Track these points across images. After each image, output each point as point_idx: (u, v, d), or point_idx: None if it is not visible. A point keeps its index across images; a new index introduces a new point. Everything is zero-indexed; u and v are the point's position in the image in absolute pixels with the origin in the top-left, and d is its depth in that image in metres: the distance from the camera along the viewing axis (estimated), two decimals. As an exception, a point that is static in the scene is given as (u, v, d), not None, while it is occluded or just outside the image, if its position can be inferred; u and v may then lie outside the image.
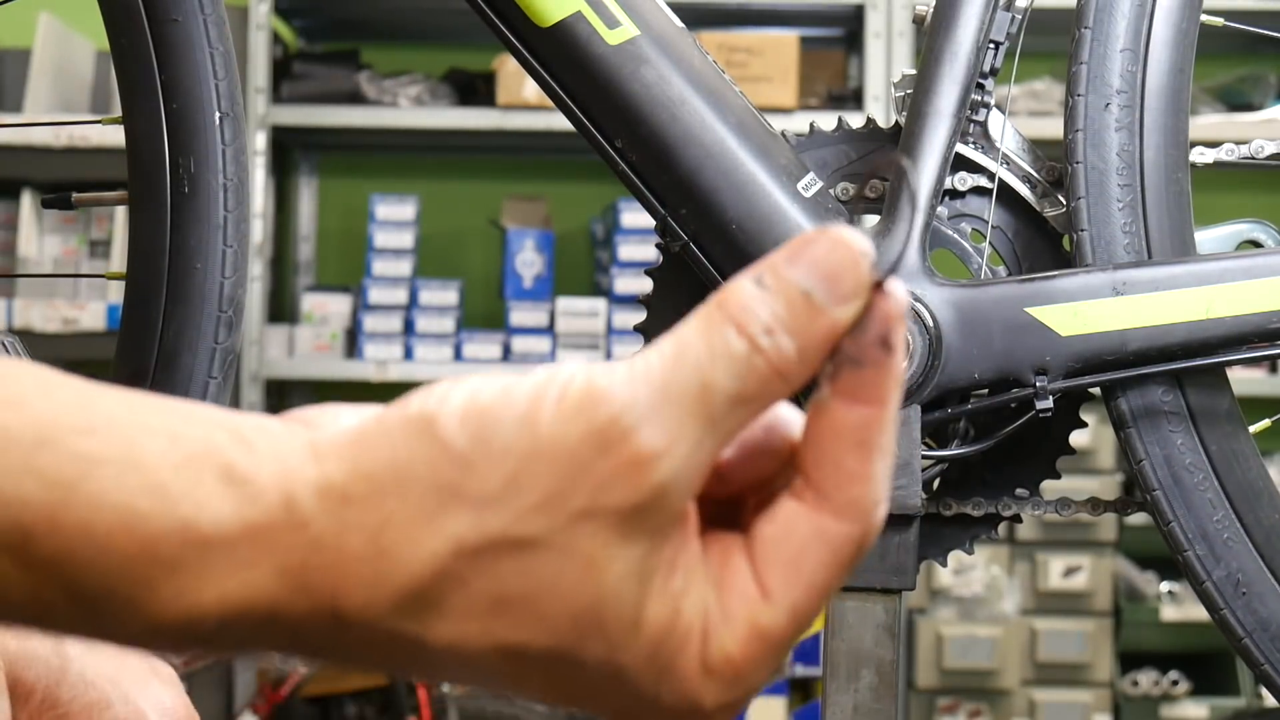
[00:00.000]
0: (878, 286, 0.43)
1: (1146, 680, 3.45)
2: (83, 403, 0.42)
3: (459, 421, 0.42)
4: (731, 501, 0.46)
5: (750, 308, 0.42)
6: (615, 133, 1.03)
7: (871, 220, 1.08)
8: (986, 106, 1.08)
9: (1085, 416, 1.10)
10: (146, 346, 1.07)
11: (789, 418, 0.46)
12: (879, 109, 3.32)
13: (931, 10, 1.07)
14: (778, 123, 1.10)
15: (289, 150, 3.81)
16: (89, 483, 0.41)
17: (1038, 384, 1.02)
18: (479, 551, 0.42)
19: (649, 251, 3.31)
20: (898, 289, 0.43)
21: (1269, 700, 1.11)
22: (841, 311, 0.42)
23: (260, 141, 3.31)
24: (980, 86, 1.07)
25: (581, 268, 3.77)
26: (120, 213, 3.22)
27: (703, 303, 0.43)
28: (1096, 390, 1.05)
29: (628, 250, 3.42)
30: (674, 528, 0.43)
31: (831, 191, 1.08)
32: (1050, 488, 1.11)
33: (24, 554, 0.40)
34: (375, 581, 0.42)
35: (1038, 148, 1.10)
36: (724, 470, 0.45)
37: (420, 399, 0.43)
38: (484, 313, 3.69)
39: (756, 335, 0.42)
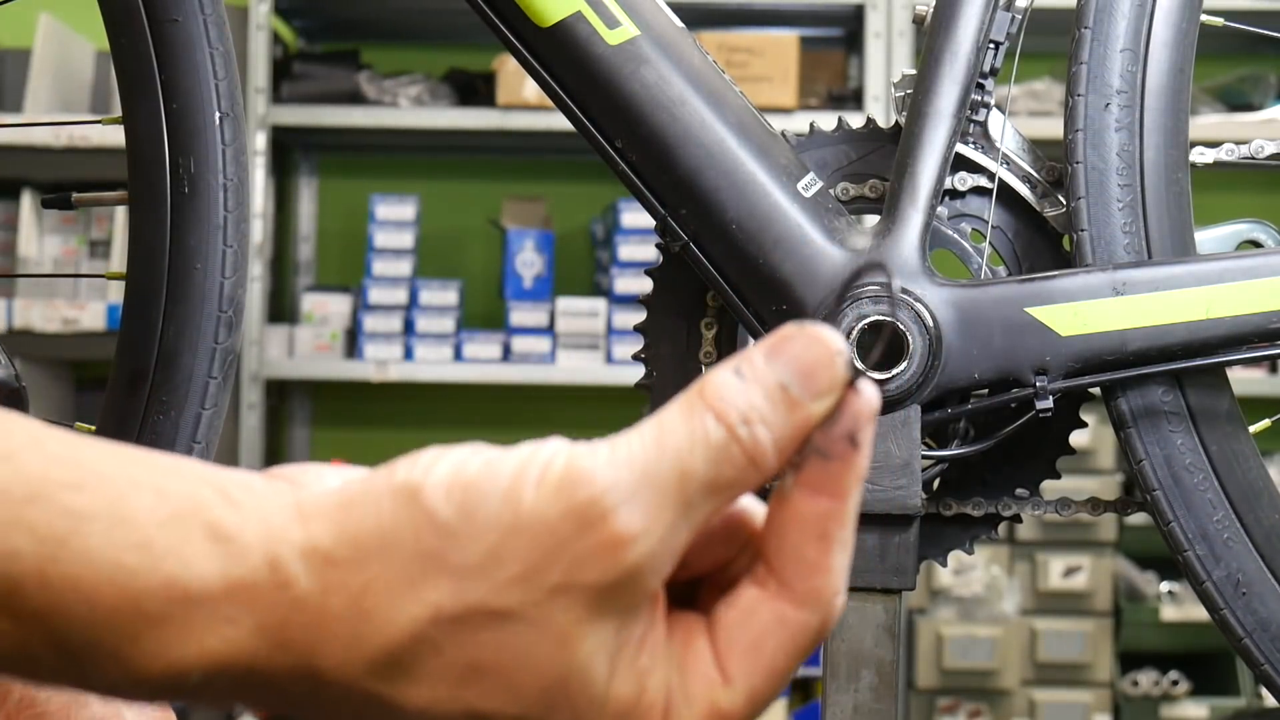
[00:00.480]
0: (850, 384, 0.45)
1: (1146, 680, 3.45)
2: (72, 457, 0.43)
3: (444, 492, 0.43)
4: (690, 583, 0.47)
5: (729, 398, 0.44)
6: (615, 133, 1.03)
7: (871, 220, 1.08)
8: (986, 106, 1.08)
9: (1085, 416, 1.10)
10: (146, 346, 1.07)
11: (750, 506, 0.47)
12: (879, 109, 3.32)
13: (931, 10, 1.07)
14: (778, 123, 1.10)
15: (289, 150, 3.81)
16: (77, 538, 0.42)
17: (1038, 384, 1.02)
18: (456, 620, 0.43)
19: (649, 251, 3.31)
20: (868, 388, 0.45)
21: (1269, 700, 1.11)
22: (816, 406, 0.44)
23: (260, 141, 3.31)
24: (980, 86, 1.07)
25: (581, 268, 3.77)
26: (120, 213, 3.22)
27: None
28: (1096, 390, 1.05)
29: (628, 250, 3.42)
30: (644, 608, 0.44)
31: (831, 191, 1.08)
32: (1050, 488, 1.11)
33: (12, 606, 0.41)
34: (353, 643, 0.43)
35: (1038, 148, 1.10)
36: (687, 554, 0.46)
37: (406, 468, 0.44)
38: (484, 313, 3.69)
39: (735, 424, 0.43)
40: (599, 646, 0.44)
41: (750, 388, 0.44)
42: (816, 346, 0.44)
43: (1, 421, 0.43)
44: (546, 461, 0.44)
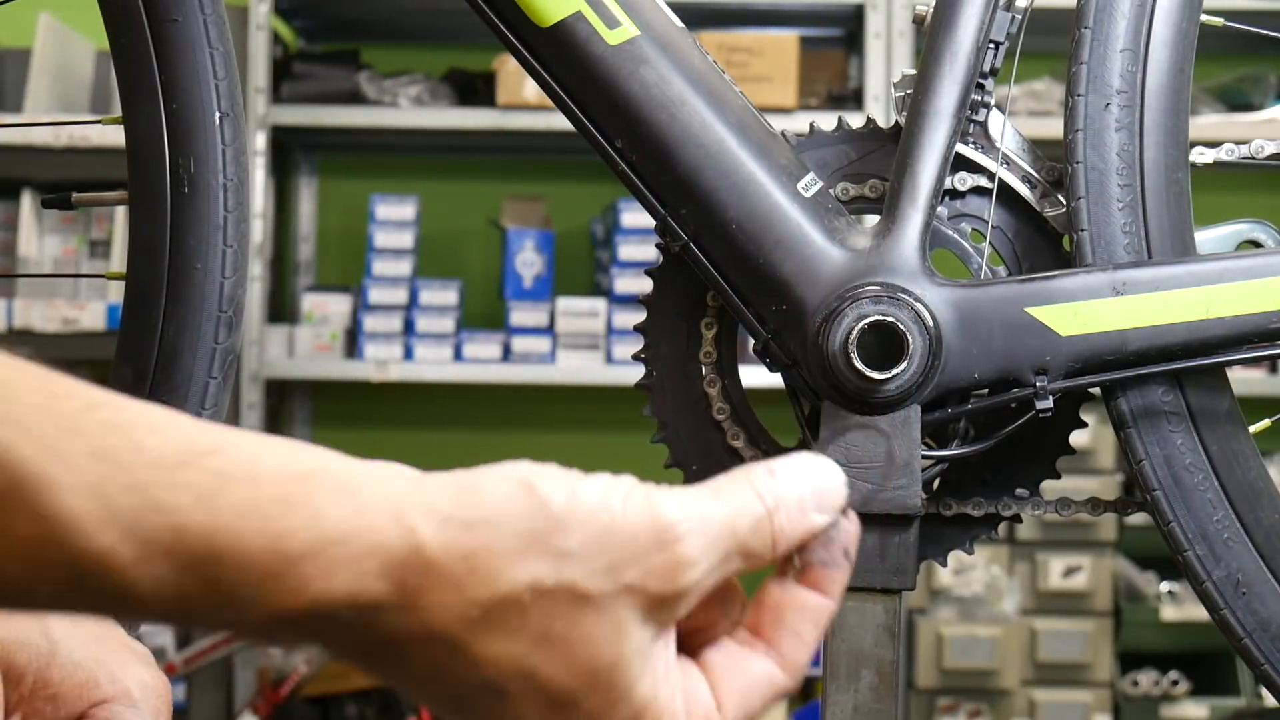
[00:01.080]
0: (844, 510, 0.58)
1: (1146, 680, 3.45)
2: (207, 429, 0.50)
3: (557, 486, 0.52)
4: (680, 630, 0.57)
5: (767, 490, 0.56)
6: (615, 133, 1.03)
7: (871, 220, 1.08)
8: (986, 106, 1.08)
9: (1085, 416, 1.10)
10: (146, 346, 1.07)
11: (734, 586, 0.58)
12: (879, 109, 3.32)
13: (931, 10, 1.07)
14: (778, 123, 1.10)
15: (289, 150, 3.81)
16: (225, 495, 0.48)
17: (1038, 384, 1.02)
18: (547, 592, 0.51)
19: (649, 251, 3.31)
20: (854, 517, 0.58)
21: (1269, 700, 1.11)
22: (820, 519, 0.57)
23: (260, 141, 3.31)
24: (980, 86, 1.07)
25: (581, 268, 3.77)
26: (120, 213, 3.22)
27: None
28: (1096, 390, 1.05)
29: (628, 250, 3.42)
30: (672, 629, 0.55)
31: (831, 191, 1.08)
32: (1050, 488, 1.11)
33: (174, 552, 0.48)
34: (458, 593, 0.50)
35: (1038, 148, 1.10)
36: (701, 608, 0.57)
37: (521, 468, 0.53)
38: (484, 313, 3.69)
39: (771, 508, 0.55)
40: (640, 646, 0.53)
41: (780, 489, 0.56)
42: (832, 477, 0.57)
43: (136, 402, 0.50)
44: (631, 487, 0.54)
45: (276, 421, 3.71)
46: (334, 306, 3.42)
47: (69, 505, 0.47)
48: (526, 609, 0.51)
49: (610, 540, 0.52)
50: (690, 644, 0.57)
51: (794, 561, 0.57)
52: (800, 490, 0.56)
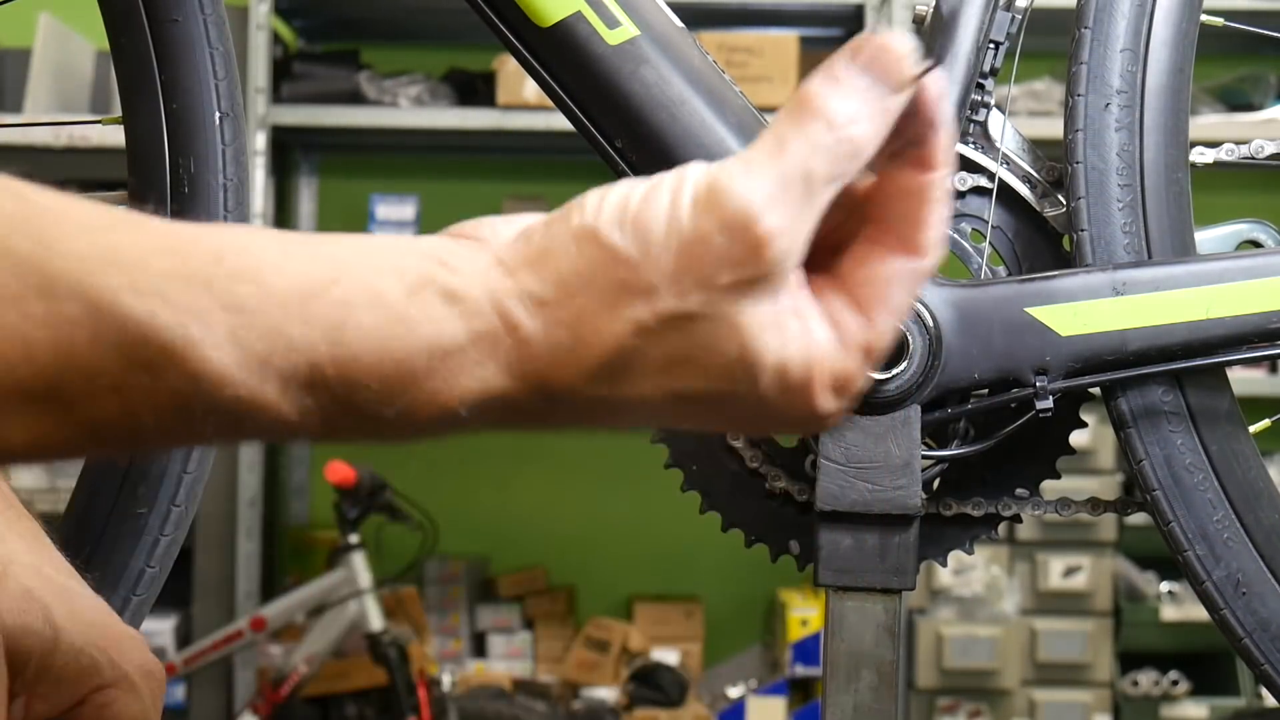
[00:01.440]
0: (919, 78, 0.55)
1: (1146, 680, 3.45)
2: (320, 257, 0.53)
3: (618, 229, 0.53)
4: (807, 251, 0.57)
5: (832, 105, 0.54)
6: (615, 133, 1.03)
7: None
8: (986, 106, 1.08)
9: (1085, 416, 1.10)
10: (146, 346, 1.07)
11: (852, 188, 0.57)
12: (879, 109, 3.32)
13: (931, 10, 1.07)
14: (778, 123, 1.10)
15: (289, 150, 3.81)
16: (351, 322, 0.52)
17: (1038, 384, 1.02)
18: (650, 329, 0.54)
19: (649, 251, 3.31)
20: (934, 78, 0.56)
21: (1269, 700, 1.11)
22: (896, 100, 0.55)
23: (260, 141, 3.31)
24: (980, 86, 1.07)
25: (581, 268, 3.76)
26: (120, 213, 3.21)
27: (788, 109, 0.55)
28: (1096, 390, 1.05)
29: (628, 250, 3.41)
30: (789, 284, 0.55)
31: (831, 191, 1.08)
32: (1050, 488, 1.11)
33: (313, 383, 0.52)
34: (575, 363, 0.54)
35: (1038, 148, 1.10)
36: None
37: (579, 214, 0.54)
38: (484, 313, 3.69)
39: (842, 126, 0.54)
40: (762, 324, 0.54)
41: (848, 92, 0.54)
42: (889, 51, 0.55)
43: (255, 238, 0.53)
44: (695, 185, 0.54)
45: (276, 421, 3.70)
46: (334, 306, 3.41)
47: (213, 359, 0.51)
48: (642, 349, 0.54)
49: (688, 256, 0.53)
50: (821, 259, 0.57)
51: (889, 147, 0.56)
52: (865, 81, 0.54)
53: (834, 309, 0.56)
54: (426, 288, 0.53)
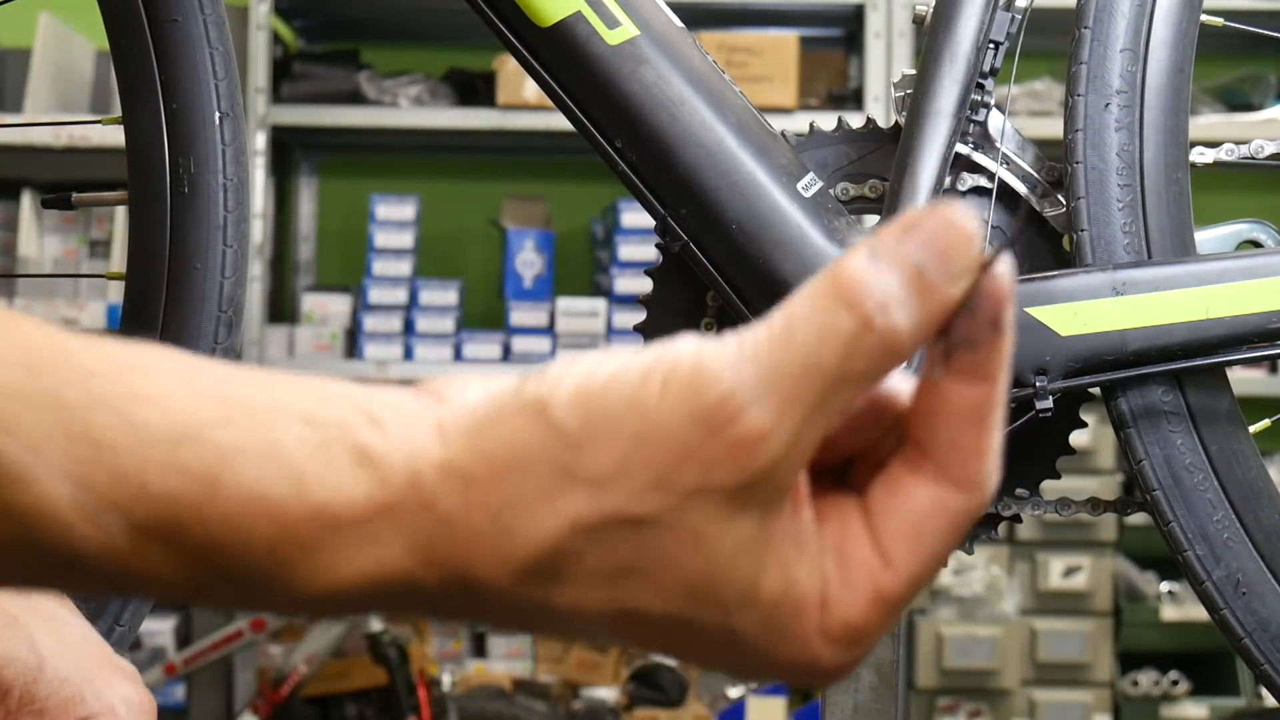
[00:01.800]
0: (985, 267, 0.43)
1: (1146, 680, 3.45)
2: (221, 393, 0.45)
3: (570, 405, 0.44)
4: (837, 466, 0.47)
5: (865, 285, 0.43)
6: (615, 133, 1.03)
7: (871, 220, 1.08)
8: (986, 106, 1.08)
9: (1085, 416, 1.10)
10: (146, 346, 1.07)
11: (894, 385, 0.47)
12: (879, 109, 3.32)
13: (931, 10, 1.07)
14: (778, 123, 1.10)
15: (289, 150, 3.81)
16: (229, 474, 0.43)
17: (1038, 384, 1.02)
18: (594, 528, 0.44)
19: (649, 251, 3.31)
20: (1005, 268, 0.43)
21: (1269, 700, 1.11)
22: (953, 290, 0.43)
23: (260, 141, 3.31)
24: (980, 86, 1.07)
25: (581, 268, 3.77)
26: (120, 213, 3.22)
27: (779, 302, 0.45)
28: (1096, 390, 1.05)
29: (628, 250, 3.42)
30: (783, 500, 0.44)
31: (831, 191, 1.08)
32: (1050, 488, 1.11)
33: (175, 541, 0.44)
34: (499, 556, 0.44)
35: (1038, 148, 1.10)
36: (832, 437, 0.46)
37: (535, 382, 0.45)
38: (484, 313, 3.69)
39: (871, 313, 0.42)
40: (739, 543, 0.44)
41: (885, 273, 0.43)
42: (952, 227, 0.43)
43: (151, 360, 0.45)
44: (673, 363, 0.43)
45: (276, 421, 3.70)
46: (334, 306, 3.42)
47: (48, 496, 0.43)
48: (580, 551, 0.44)
49: (647, 449, 0.43)
50: (855, 478, 0.47)
51: (937, 349, 0.44)
52: (914, 261, 0.43)
53: (848, 541, 0.46)
54: (338, 444, 0.44)
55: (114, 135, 1.09)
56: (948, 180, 1.08)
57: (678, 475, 0.43)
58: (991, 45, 1.06)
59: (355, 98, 3.45)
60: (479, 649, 3.94)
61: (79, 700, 0.71)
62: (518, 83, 3.31)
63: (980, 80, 1.06)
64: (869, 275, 0.43)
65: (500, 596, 0.45)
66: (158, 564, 0.44)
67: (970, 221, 0.43)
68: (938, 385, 0.45)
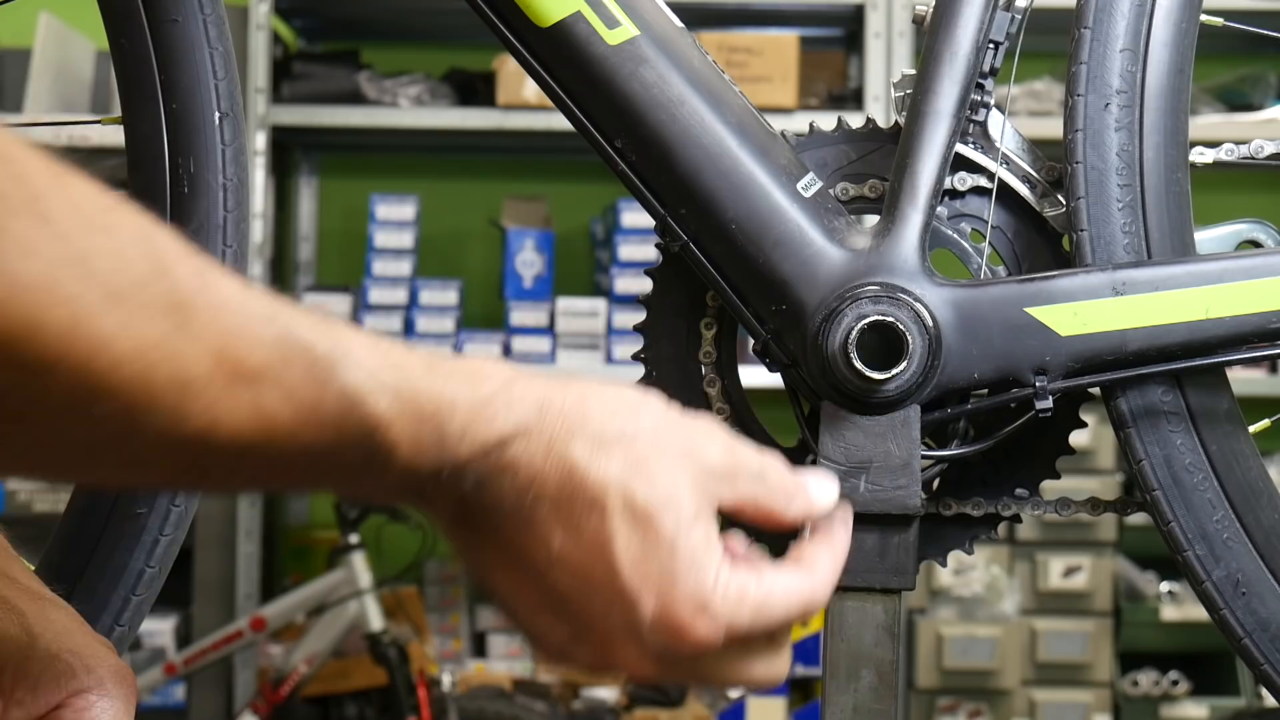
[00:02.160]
0: (841, 501, 0.77)
1: (1146, 680, 3.45)
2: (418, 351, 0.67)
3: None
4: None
5: (788, 481, 0.75)
6: (615, 133, 1.03)
7: (871, 220, 1.08)
8: (986, 106, 1.08)
9: (1085, 416, 1.10)
10: (146, 346, 1.07)
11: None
12: (879, 109, 3.32)
13: (931, 10, 1.07)
14: (778, 123, 1.10)
15: (289, 150, 3.81)
16: (451, 376, 0.67)
17: (1037, 384, 1.02)
18: (641, 435, 0.69)
19: (649, 251, 3.31)
20: (847, 508, 0.78)
21: (1269, 700, 1.11)
22: (824, 502, 0.76)
23: (260, 141, 3.31)
24: (980, 86, 1.07)
25: (581, 268, 3.77)
26: (120, 213, 3.21)
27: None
28: (1096, 390, 1.05)
29: (628, 250, 3.42)
30: (712, 513, 0.71)
31: (831, 191, 1.08)
32: (1050, 488, 1.11)
33: (420, 415, 0.65)
34: (582, 425, 0.68)
35: (1038, 148, 1.10)
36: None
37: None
38: (484, 313, 3.69)
39: (791, 488, 0.75)
40: (689, 501, 0.69)
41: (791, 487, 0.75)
42: (827, 491, 0.76)
43: (389, 342, 0.66)
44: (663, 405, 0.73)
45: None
46: (334, 306, 3.42)
47: (359, 379, 0.63)
48: (628, 441, 0.68)
49: (678, 427, 0.71)
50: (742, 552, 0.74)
51: (805, 532, 0.76)
52: (799, 492, 0.75)
53: (737, 575, 0.71)
54: (492, 362, 0.70)
55: (114, 135, 1.09)
56: (948, 180, 1.08)
57: (685, 455, 0.70)
58: (991, 45, 1.06)
59: (355, 98, 3.45)
60: (479, 649, 3.94)
61: (70, 675, 0.74)
62: (518, 83, 3.32)
63: (980, 80, 1.06)
64: (787, 479, 0.75)
65: (563, 456, 0.68)
66: (407, 428, 0.64)
67: (831, 491, 0.77)
68: (804, 544, 0.76)
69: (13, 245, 0.51)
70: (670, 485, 0.68)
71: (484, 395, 0.66)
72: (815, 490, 0.75)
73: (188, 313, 0.58)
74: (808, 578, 0.73)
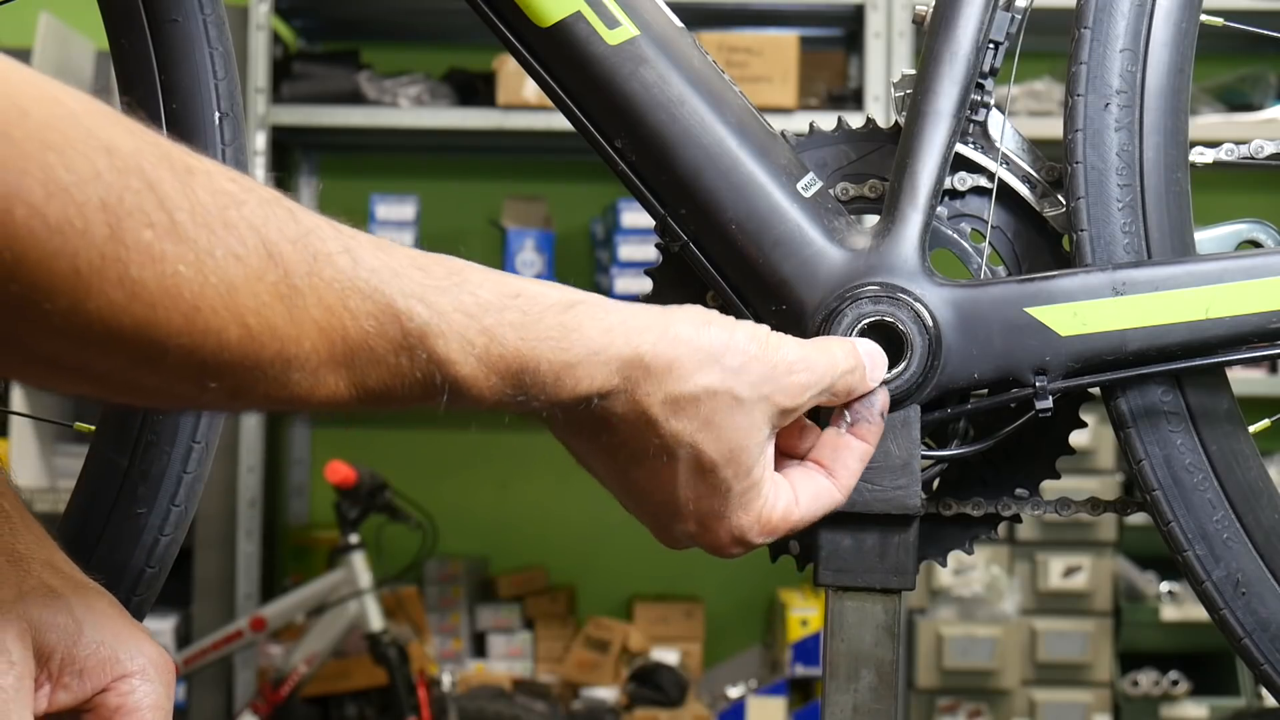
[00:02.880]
0: (883, 384, 0.92)
1: (1146, 680, 3.46)
2: (505, 278, 0.74)
3: (723, 327, 0.82)
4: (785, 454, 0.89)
5: (855, 355, 0.90)
6: (615, 133, 1.03)
7: (871, 220, 1.08)
8: (986, 106, 1.08)
9: (1085, 416, 1.10)
10: (146, 346, 1.07)
11: (814, 427, 0.91)
12: (879, 109, 3.32)
13: (931, 10, 1.07)
14: (778, 123, 1.10)
15: (289, 150, 3.81)
16: (530, 327, 0.73)
17: (1037, 384, 1.02)
18: (716, 393, 0.79)
19: (649, 251, 3.31)
20: (885, 391, 0.92)
21: (1269, 700, 1.11)
22: (874, 383, 0.91)
23: (260, 141, 3.31)
24: (980, 86, 1.07)
25: (581, 268, 3.77)
26: (120, 213, 3.21)
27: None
28: (1096, 390, 1.05)
29: (628, 250, 3.42)
30: (774, 436, 0.84)
31: (831, 191, 1.08)
32: (1050, 488, 1.11)
33: (503, 370, 0.72)
34: (660, 384, 0.78)
35: (1038, 148, 1.10)
36: (788, 438, 0.90)
37: (696, 311, 0.82)
38: (484, 313, 3.69)
39: (852, 367, 0.89)
40: (762, 440, 0.82)
41: (859, 357, 0.90)
42: (879, 356, 0.93)
43: (468, 266, 0.73)
44: (765, 332, 0.83)
45: (276, 420, 3.70)
46: (334, 306, 3.41)
47: (447, 348, 0.70)
48: (701, 401, 0.78)
49: (757, 365, 0.80)
50: (779, 463, 0.85)
51: (845, 416, 0.89)
52: (866, 360, 0.89)
53: (779, 481, 0.86)
54: (581, 305, 0.76)
55: (114, 135, 1.09)
56: (948, 180, 1.08)
57: (765, 385, 0.81)
58: (991, 45, 1.06)
59: (355, 98, 3.45)
60: (479, 649, 3.94)
61: (114, 660, 0.78)
62: (518, 83, 3.32)
63: (980, 80, 1.06)
64: (858, 354, 0.90)
65: (644, 412, 0.77)
66: (491, 383, 0.71)
67: (884, 358, 0.94)
68: (842, 435, 0.90)
69: (141, 254, 0.57)
70: (736, 439, 0.79)
71: (569, 360, 0.73)
72: (869, 378, 0.89)
73: (294, 299, 0.64)
74: (838, 484, 0.88)
